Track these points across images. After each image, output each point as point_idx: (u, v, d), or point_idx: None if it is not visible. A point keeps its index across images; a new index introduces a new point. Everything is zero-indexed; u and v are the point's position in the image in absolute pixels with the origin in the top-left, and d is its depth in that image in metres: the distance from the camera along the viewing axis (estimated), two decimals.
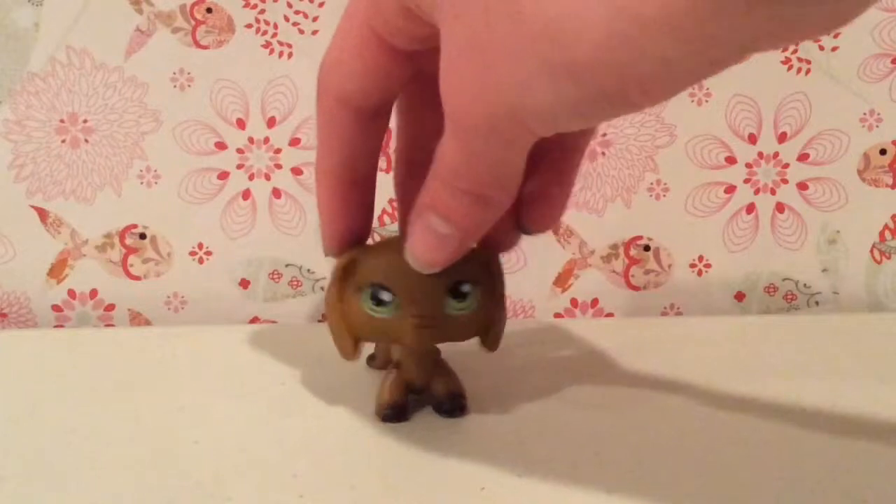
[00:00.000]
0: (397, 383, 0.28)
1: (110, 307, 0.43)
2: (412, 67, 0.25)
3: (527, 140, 0.21)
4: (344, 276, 0.27)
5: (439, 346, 0.29)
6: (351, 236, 0.28)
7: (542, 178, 0.27)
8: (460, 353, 0.29)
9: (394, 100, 0.26)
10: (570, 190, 0.28)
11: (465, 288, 0.26)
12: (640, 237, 0.44)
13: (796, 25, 0.17)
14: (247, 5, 0.40)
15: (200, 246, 0.43)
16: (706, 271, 0.44)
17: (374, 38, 0.24)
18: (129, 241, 0.42)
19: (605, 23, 0.17)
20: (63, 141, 0.41)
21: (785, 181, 0.44)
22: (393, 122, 0.28)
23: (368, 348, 0.33)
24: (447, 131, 0.22)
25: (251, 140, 0.42)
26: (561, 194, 0.28)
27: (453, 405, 0.29)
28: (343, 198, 0.27)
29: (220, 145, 0.41)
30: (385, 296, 0.26)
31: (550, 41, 0.18)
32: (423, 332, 0.26)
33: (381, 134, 0.27)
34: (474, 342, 0.28)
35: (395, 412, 0.28)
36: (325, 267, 0.43)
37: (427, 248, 0.24)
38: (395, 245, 0.26)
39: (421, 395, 0.29)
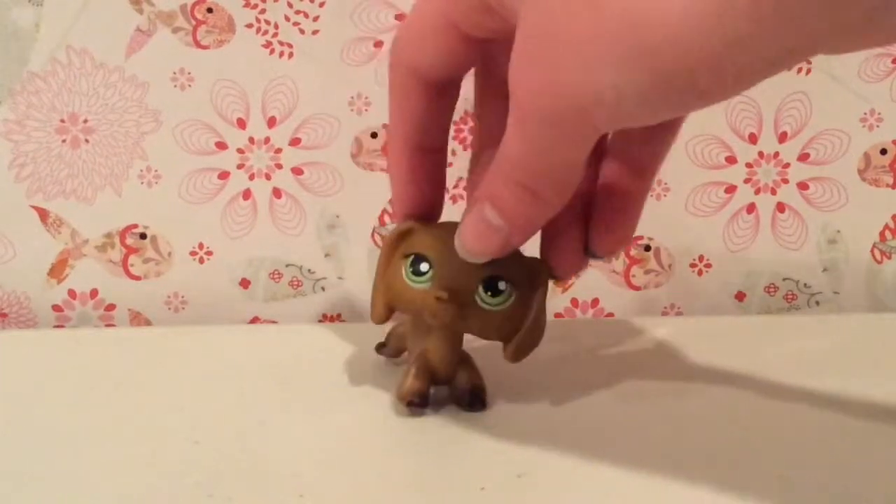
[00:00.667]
0: (422, 371, 0.29)
1: (111, 307, 0.43)
2: (483, 52, 0.26)
3: (588, 135, 0.21)
4: (397, 241, 0.28)
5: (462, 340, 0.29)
6: (417, 203, 0.29)
7: (610, 197, 0.27)
8: (468, 349, 0.30)
9: (462, 77, 0.27)
10: (640, 207, 0.28)
11: (502, 285, 0.27)
12: (641, 237, 0.44)
13: (874, 24, 0.17)
14: (247, 5, 0.40)
15: (201, 246, 0.43)
16: (706, 271, 0.44)
17: (448, 25, 0.25)
18: (129, 240, 0.42)
19: (682, 4, 0.17)
20: (63, 141, 0.41)
21: (785, 181, 0.44)
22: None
23: (379, 336, 0.34)
24: (511, 121, 0.22)
25: (252, 140, 0.42)
26: (632, 213, 0.28)
27: (474, 398, 0.29)
28: (410, 163, 0.28)
29: (221, 145, 0.41)
30: (424, 267, 0.27)
31: (625, 26, 0.18)
32: (444, 306, 0.26)
33: (448, 109, 0.28)
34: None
35: (418, 399, 0.28)
36: (325, 267, 0.43)
37: (475, 237, 0.25)
38: (452, 228, 0.27)
39: (442, 385, 0.29)
